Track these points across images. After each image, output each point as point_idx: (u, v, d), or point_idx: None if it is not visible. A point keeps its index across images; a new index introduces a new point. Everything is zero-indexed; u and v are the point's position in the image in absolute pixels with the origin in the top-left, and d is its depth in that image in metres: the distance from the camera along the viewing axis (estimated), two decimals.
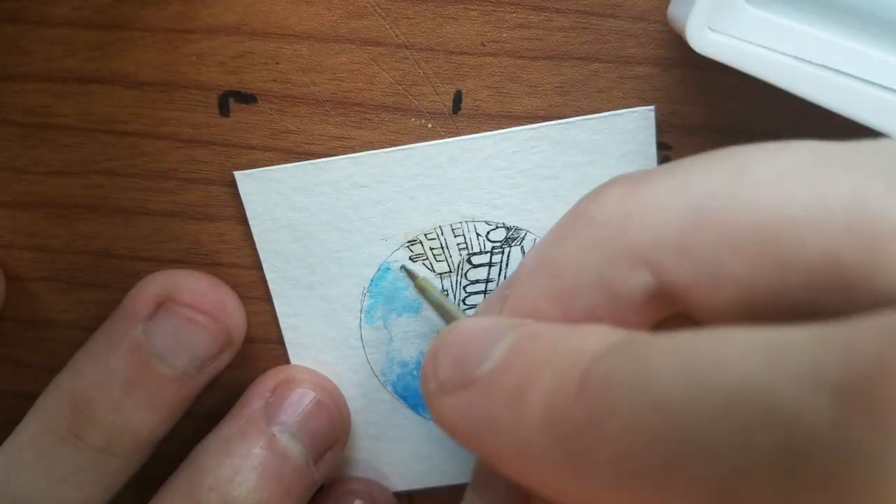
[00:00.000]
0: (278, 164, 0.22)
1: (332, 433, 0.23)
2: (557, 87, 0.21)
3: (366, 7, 0.21)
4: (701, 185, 0.14)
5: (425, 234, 0.23)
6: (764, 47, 0.18)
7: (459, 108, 0.21)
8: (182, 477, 0.22)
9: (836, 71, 0.18)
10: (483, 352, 0.15)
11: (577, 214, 0.16)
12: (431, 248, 0.23)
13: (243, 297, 0.23)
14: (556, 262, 0.16)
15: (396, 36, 0.21)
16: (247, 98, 0.21)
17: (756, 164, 0.14)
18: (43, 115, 0.21)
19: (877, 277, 0.12)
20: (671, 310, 0.15)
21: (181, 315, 0.21)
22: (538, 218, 0.23)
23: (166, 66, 0.21)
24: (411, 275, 0.23)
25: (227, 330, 0.22)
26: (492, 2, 0.21)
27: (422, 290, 0.22)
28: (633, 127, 0.22)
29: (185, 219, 0.22)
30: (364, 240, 0.23)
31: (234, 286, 0.23)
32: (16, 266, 0.23)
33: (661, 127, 0.22)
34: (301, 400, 0.23)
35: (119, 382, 0.21)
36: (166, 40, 0.21)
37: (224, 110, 0.21)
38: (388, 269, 0.23)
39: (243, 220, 0.22)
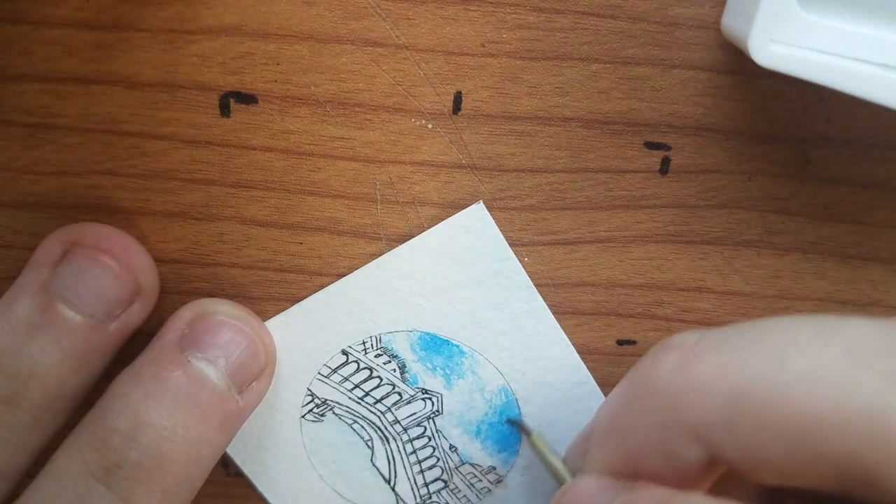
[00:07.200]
0: (278, 163, 0.22)
1: (254, 362, 0.22)
2: (557, 87, 0.21)
3: (366, 8, 0.21)
4: (743, 371, 0.16)
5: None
6: (825, 53, 0.18)
7: (459, 109, 0.22)
8: (94, 410, 0.21)
9: None
10: None
11: (637, 380, 0.19)
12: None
13: (243, 298, 0.23)
14: (624, 425, 0.18)
15: (397, 37, 0.21)
16: (247, 99, 0.21)
17: (791, 357, 0.16)
18: (44, 115, 0.21)
19: (893, 479, 0.14)
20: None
21: (84, 256, 0.21)
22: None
23: (167, 66, 0.21)
24: (524, 430, 0.23)
25: (133, 273, 0.21)
26: (492, 3, 0.21)
27: (536, 447, 0.23)
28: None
29: (186, 219, 0.23)
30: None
31: (234, 286, 0.23)
32: (17, 266, 0.23)
33: (661, 127, 0.22)
34: (218, 329, 0.22)
35: (23, 327, 0.20)
36: (167, 41, 0.21)
37: (225, 111, 0.21)
38: None
39: (243, 220, 0.23)
